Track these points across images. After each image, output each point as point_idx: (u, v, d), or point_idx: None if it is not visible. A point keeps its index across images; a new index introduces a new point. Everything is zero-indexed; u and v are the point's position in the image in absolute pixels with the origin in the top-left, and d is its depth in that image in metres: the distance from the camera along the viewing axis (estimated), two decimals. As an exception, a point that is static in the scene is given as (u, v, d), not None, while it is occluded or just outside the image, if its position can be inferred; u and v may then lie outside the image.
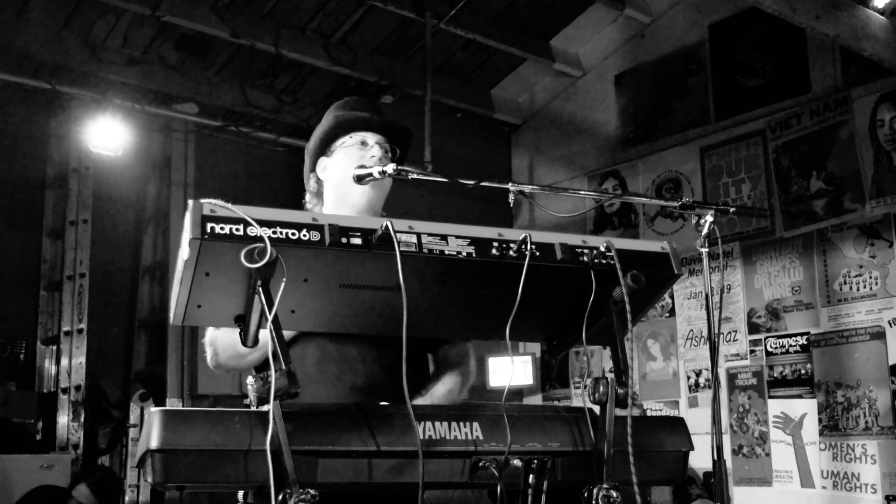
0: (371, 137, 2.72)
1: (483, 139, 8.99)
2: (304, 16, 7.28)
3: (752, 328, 6.96)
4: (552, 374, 8.36)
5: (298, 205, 2.85)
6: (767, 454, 6.75)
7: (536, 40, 8.26)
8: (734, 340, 6.99)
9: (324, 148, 2.77)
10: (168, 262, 7.53)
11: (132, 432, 6.95)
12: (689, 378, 7.32)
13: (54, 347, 7.11)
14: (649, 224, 7.82)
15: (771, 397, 6.79)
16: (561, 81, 8.72)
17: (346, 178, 2.68)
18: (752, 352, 6.95)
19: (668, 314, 7.48)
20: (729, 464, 6.63)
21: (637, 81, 8.17)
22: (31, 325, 7.18)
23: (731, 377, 6.95)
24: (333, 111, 2.84)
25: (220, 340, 2.57)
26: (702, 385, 7.23)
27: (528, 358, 8.23)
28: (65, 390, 6.91)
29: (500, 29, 7.89)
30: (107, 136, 6.80)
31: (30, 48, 6.83)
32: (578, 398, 8.08)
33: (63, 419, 6.84)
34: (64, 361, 6.98)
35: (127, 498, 6.79)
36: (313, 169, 2.82)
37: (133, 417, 6.97)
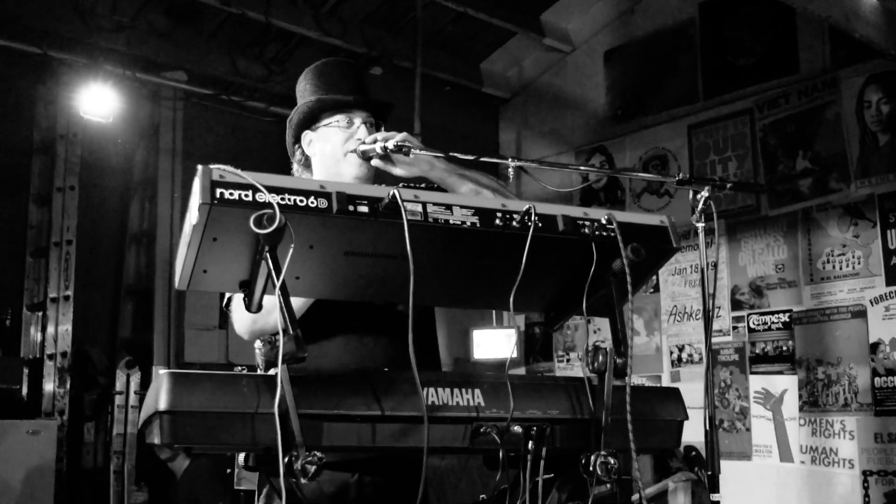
0: (357, 116, 2.73)
1: (471, 113, 8.99)
2: (295, -15, 7.26)
3: (736, 305, 7.03)
4: (536, 347, 8.42)
5: (286, 174, 2.85)
6: (748, 429, 6.84)
7: (527, 14, 8.25)
8: (717, 317, 7.05)
9: (308, 123, 2.78)
10: (155, 229, 7.53)
11: (118, 399, 6.98)
12: (671, 353, 7.39)
13: (40, 314, 7.10)
14: (636, 200, 7.87)
15: (752, 373, 6.87)
16: (550, 56, 8.72)
17: (334, 153, 2.72)
18: (734, 328, 7.02)
19: (652, 290, 7.54)
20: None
21: (626, 58, 8.18)
22: (17, 291, 7.15)
23: (714, 353, 7.03)
24: (313, 83, 2.81)
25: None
26: (684, 360, 7.31)
27: (513, 331, 8.29)
28: (51, 357, 6.90)
29: (490, 2, 7.87)
30: (98, 102, 6.77)
31: (17, 11, 6.77)
32: (561, 372, 8.15)
33: (49, 386, 6.84)
34: (50, 328, 6.97)
35: (112, 465, 6.82)
36: (297, 141, 2.83)
37: (119, 384, 6.99)
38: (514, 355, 8.33)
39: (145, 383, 7.07)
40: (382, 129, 2.75)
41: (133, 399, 6.98)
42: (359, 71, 2.91)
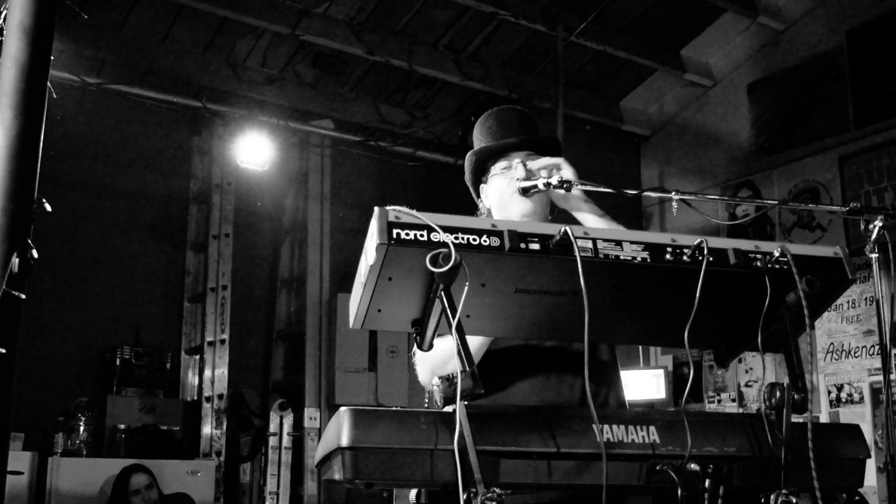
0: (515, 158, 2.72)
1: (612, 151, 8.94)
2: (437, 32, 7.40)
3: (898, 342, 6.72)
4: (685, 387, 8.23)
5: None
6: (915, 473, 6.50)
7: (666, 51, 8.19)
8: (878, 354, 6.76)
9: (479, 177, 2.82)
10: (305, 274, 7.73)
11: (272, 440, 7.15)
12: (829, 393, 7.12)
13: (198, 357, 7.37)
14: (786, 235, 7.65)
15: (918, 413, 6.54)
16: (692, 91, 8.62)
17: (502, 198, 2.71)
18: (897, 366, 6.71)
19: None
20: (873, 481, 6.42)
21: (771, 90, 8.00)
22: (176, 335, 7.46)
23: (875, 392, 6.73)
24: (478, 137, 2.84)
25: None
26: (843, 400, 7.02)
27: (661, 371, 8.14)
28: (208, 399, 7.15)
29: (629, 40, 7.86)
30: (254, 151, 7.03)
31: (173, 67, 7.13)
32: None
33: (206, 427, 7.07)
34: (207, 371, 7.22)
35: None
36: (479, 195, 2.86)
37: (273, 426, 7.16)
38: (662, 396, 8.15)
39: (298, 425, 7.23)
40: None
41: (286, 440, 7.14)
42: (521, 113, 2.89)
